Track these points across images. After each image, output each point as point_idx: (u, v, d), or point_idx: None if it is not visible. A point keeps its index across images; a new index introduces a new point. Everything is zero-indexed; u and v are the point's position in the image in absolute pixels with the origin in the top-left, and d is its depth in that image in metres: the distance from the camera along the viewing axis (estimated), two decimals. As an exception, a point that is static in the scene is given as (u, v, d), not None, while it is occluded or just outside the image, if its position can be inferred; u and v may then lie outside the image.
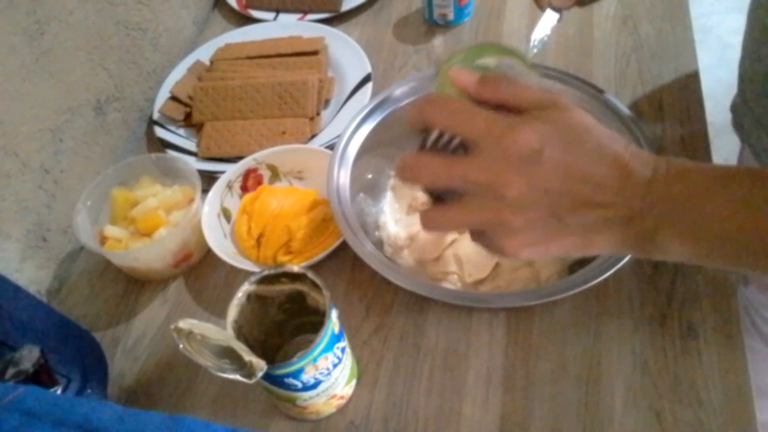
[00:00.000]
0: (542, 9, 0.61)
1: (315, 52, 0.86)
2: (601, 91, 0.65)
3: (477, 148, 0.37)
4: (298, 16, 0.95)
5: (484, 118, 0.37)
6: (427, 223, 0.41)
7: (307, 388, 0.51)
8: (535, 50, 0.62)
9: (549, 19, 0.61)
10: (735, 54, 0.63)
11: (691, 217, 0.36)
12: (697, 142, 0.69)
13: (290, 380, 0.49)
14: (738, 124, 0.64)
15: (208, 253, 0.68)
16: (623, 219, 0.37)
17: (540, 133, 0.36)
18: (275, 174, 0.73)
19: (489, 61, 0.42)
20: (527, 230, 0.37)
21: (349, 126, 0.67)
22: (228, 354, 0.46)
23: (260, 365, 0.45)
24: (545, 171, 0.36)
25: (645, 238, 0.37)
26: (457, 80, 0.39)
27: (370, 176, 0.69)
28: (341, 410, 0.57)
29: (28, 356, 0.48)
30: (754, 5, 0.57)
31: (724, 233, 0.35)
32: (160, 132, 0.81)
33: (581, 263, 0.58)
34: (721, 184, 0.35)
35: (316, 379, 0.50)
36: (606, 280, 0.53)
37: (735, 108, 0.65)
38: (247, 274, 0.61)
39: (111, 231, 0.67)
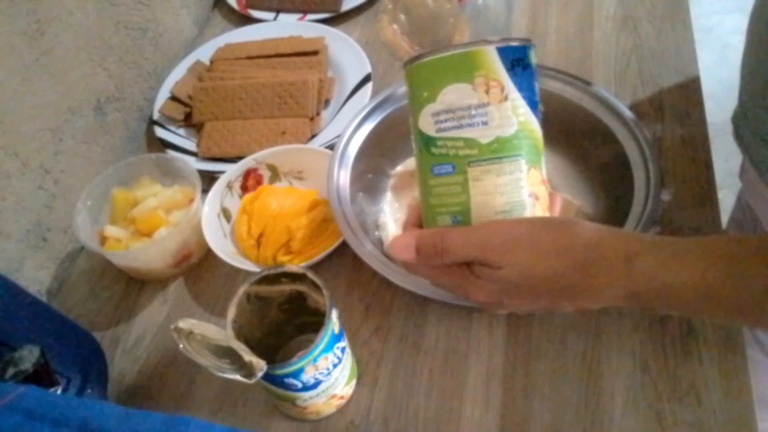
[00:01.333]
0: None
1: (315, 52, 0.86)
2: (590, 84, 0.65)
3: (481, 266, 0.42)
4: (298, 16, 0.95)
5: (445, 281, 0.44)
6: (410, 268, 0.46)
7: (307, 388, 0.51)
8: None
9: None
10: (735, 54, 0.63)
11: (667, 301, 0.39)
12: (697, 142, 0.69)
13: (290, 380, 0.49)
14: (738, 135, 0.64)
15: (208, 253, 0.68)
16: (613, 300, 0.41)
17: (490, 296, 0.41)
18: (275, 174, 0.73)
19: (451, 97, 0.40)
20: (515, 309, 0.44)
21: (349, 126, 0.67)
22: (228, 354, 0.46)
23: (260, 365, 0.45)
24: (511, 307, 0.43)
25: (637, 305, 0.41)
26: (398, 253, 0.43)
27: (370, 176, 0.69)
28: (341, 410, 0.57)
29: (28, 356, 0.48)
30: (753, 19, 0.57)
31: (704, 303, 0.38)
32: (160, 132, 0.81)
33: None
34: (683, 262, 0.38)
35: (316, 379, 0.50)
36: (606, 280, 0.53)
37: (735, 119, 0.65)
38: (247, 274, 0.61)
39: (111, 231, 0.67)
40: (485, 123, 0.39)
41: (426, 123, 0.40)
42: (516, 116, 0.39)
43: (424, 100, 0.40)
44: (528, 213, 0.41)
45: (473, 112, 0.39)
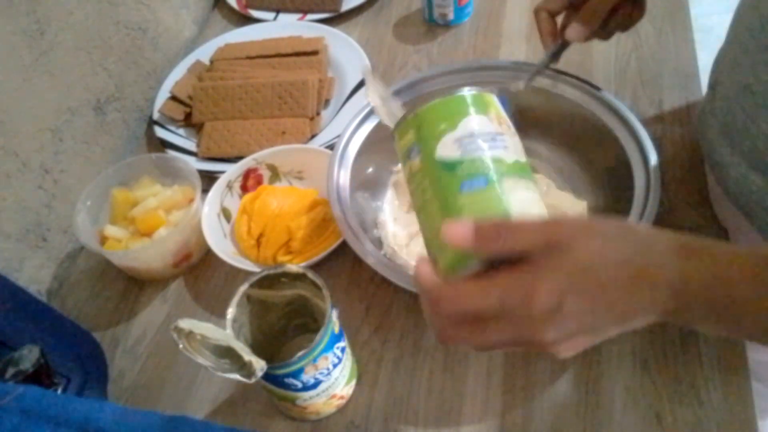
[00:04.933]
0: (550, 46, 0.63)
1: (315, 52, 0.86)
2: (598, 89, 0.65)
3: (497, 316, 0.37)
4: (298, 16, 0.95)
5: (496, 296, 0.36)
6: (447, 339, 0.39)
7: (307, 388, 0.51)
8: (521, 84, 0.65)
9: (552, 57, 0.64)
10: (735, 54, 0.63)
11: (724, 314, 0.37)
12: (696, 142, 0.69)
13: (290, 380, 0.49)
14: (703, 135, 0.64)
15: (208, 253, 0.68)
16: (658, 316, 0.38)
17: (553, 291, 0.35)
18: (275, 174, 0.73)
19: (472, 125, 0.42)
20: (564, 344, 0.38)
21: (349, 126, 0.67)
22: (228, 354, 0.46)
23: (260, 365, 0.45)
24: (570, 318, 0.36)
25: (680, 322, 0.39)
26: (452, 239, 0.37)
27: (370, 170, 0.69)
28: (341, 410, 0.57)
29: (28, 356, 0.48)
30: (742, 12, 0.56)
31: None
32: (160, 132, 0.81)
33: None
34: (748, 272, 0.36)
35: (316, 379, 0.50)
36: (606, 280, 0.53)
37: (701, 117, 0.65)
38: (247, 274, 0.61)
39: (111, 231, 0.67)
40: (506, 147, 0.42)
41: (448, 149, 0.42)
42: (522, 148, 0.44)
43: (442, 132, 0.42)
44: None
45: (496, 137, 0.42)
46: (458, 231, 0.37)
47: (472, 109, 0.43)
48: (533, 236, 0.36)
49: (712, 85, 0.62)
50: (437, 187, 0.41)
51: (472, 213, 0.39)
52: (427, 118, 0.43)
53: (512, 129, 0.45)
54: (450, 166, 0.41)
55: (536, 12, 0.62)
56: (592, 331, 0.38)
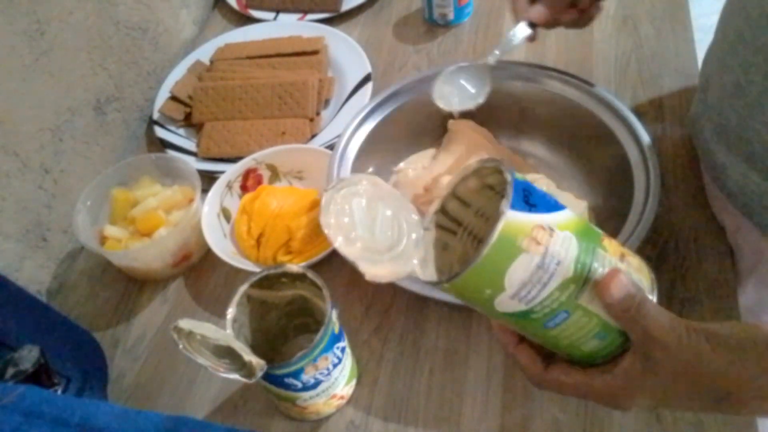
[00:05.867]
0: (517, 21, 0.62)
1: (315, 52, 0.86)
2: (591, 85, 0.65)
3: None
4: (298, 16, 0.95)
5: (588, 394, 0.39)
6: (545, 384, 0.41)
7: (307, 388, 0.50)
8: (497, 53, 0.63)
9: (522, 31, 0.62)
10: (735, 54, 0.63)
11: None
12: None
13: (290, 380, 0.49)
14: (697, 136, 0.63)
15: (208, 253, 0.68)
16: None
17: (649, 403, 0.38)
18: (275, 174, 0.73)
19: (516, 275, 0.35)
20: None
21: (349, 126, 0.67)
22: (228, 354, 0.46)
23: (260, 365, 0.45)
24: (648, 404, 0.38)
25: None
26: (607, 297, 0.35)
27: (370, 170, 0.69)
28: (341, 410, 0.57)
29: (28, 356, 0.48)
30: (726, 13, 0.56)
31: None
32: (160, 132, 0.81)
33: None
34: None
35: (316, 379, 0.50)
36: (606, 280, 0.53)
37: (694, 119, 0.64)
38: (247, 274, 0.61)
39: (111, 231, 0.67)
40: (559, 263, 0.35)
41: (508, 306, 0.35)
42: (567, 229, 0.36)
43: (490, 296, 0.35)
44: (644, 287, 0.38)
45: (544, 267, 0.34)
46: (622, 283, 0.36)
47: (505, 260, 0.34)
48: (656, 318, 0.36)
49: (703, 85, 0.62)
50: (519, 326, 0.38)
51: (571, 337, 0.37)
52: (466, 291, 0.35)
53: (546, 223, 0.35)
54: (522, 315, 0.36)
55: None
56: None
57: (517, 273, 0.34)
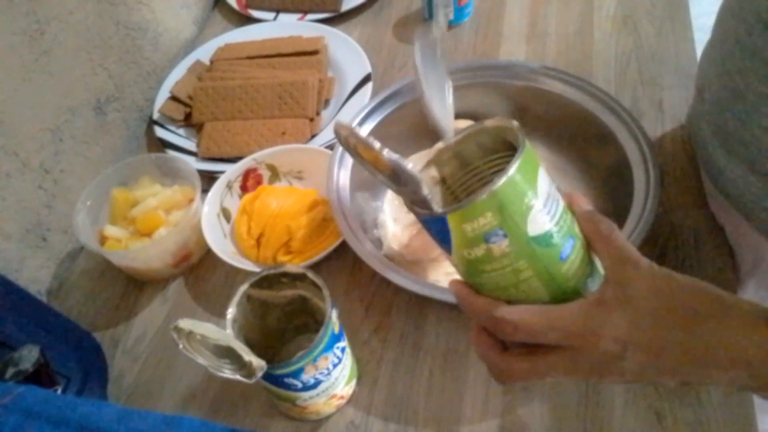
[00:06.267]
0: None
1: (315, 52, 0.86)
2: (592, 85, 0.65)
3: (560, 348, 0.36)
4: (298, 16, 0.95)
5: (563, 331, 0.36)
6: (506, 377, 0.38)
7: (307, 388, 0.50)
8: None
9: None
10: (735, 54, 0.63)
11: None
12: (697, 142, 0.69)
13: (290, 380, 0.49)
14: (695, 138, 0.63)
15: (208, 253, 0.68)
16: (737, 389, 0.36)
17: (618, 340, 0.35)
18: (275, 174, 0.73)
19: (543, 183, 0.36)
20: (622, 381, 0.37)
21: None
22: (228, 354, 0.46)
23: (260, 365, 0.45)
24: (631, 368, 0.35)
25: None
26: (587, 227, 0.37)
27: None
28: (341, 410, 0.57)
29: (28, 356, 0.48)
30: (722, 16, 0.55)
31: None
32: (160, 132, 0.81)
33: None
34: None
35: (316, 379, 0.50)
36: (606, 280, 0.53)
37: (692, 121, 0.64)
38: (247, 274, 0.61)
39: (111, 231, 0.67)
40: (557, 187, 0.38)
41: (538, 223, 0.36)
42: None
43: (529, 206, 0.35)
44: None
45: (553, 185, 0.37)
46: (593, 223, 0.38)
47: (533, 164, 0.36)
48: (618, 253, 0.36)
49: (700, 88, 0.62)
50: (538, 266, 0.36)
51: (577, 276, 0.38)
52: (509, 195, 0.35)
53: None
54: (546, 241, 0.36)
55: None
56: (652, 379, 0.37)
57: (543, 182, 0.36)
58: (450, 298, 0.56)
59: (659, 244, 0.62)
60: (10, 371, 0.47)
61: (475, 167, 0.42)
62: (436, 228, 0.37)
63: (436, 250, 0.64)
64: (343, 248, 0.62)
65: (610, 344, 0.35)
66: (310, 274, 0.50)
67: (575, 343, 0.36)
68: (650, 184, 0.58)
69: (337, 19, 0.94)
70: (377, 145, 0.35)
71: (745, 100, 0.51)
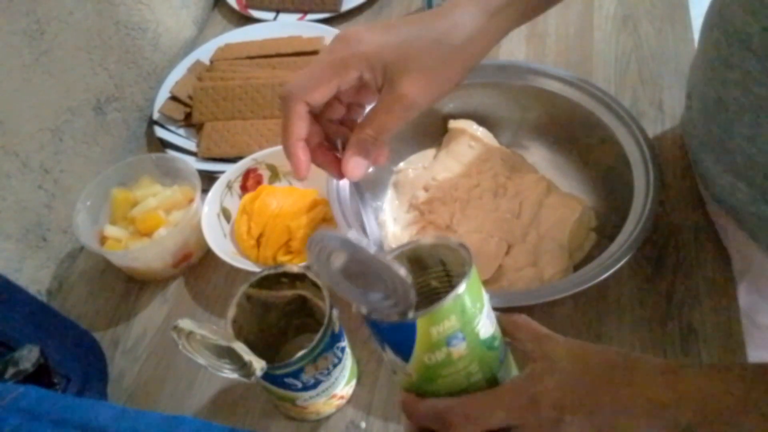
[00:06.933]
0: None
1: (315, 52, 0.86)
2: (592, 85, 0.65)
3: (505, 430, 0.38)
4: (298, 16, 0.95)
5: (504, 410, 0.38)
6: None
7: (307, 387, 0.50)
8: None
9: None
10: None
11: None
12: (697, 142, 0.69)
13: (290, 380, 0.49)
14: (687, 143, 0.63)
15: (208, 253, 0.68)
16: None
17: (555, 402, 0.37)
18: (275, 174, 0.73)
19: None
20: None
21: (349, 126, 0.67)
22: (228, 354, 0.46)
23: (260, 365, 0.45)
24: (575, 430, 0.37)
25: None
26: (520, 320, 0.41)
27: (370, 170, 0.69)
28: (341, 410, 0.57)
29: (28, 356, 0.48)
30: (706, 26, 0.55)
31: None
32: (160, 132, 0.81)
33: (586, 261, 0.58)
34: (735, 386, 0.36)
35: (316, 378, 0.50)
36: (606, 280, 0.53)
37: (684, 126, 0.64)
38: (247, 274, 0.61)
39: (111, 231, 0.67)
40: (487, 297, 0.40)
41: (485, 326, 0.38)
42: None
43: (479, 309, 0.37)
44: None
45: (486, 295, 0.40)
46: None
47: (477, 278, 0.38)
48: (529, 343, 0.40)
49: (688, 95, 0.62)
50: (486, 369, 0.39)
51: (508, 376, 0.41)
52: (469, 298, 0.37)
53: None
54: (491, 344, 0.39)
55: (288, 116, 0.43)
56: None
57: (483, 290, 0.38)
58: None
59: (659, 244, 0.62)
60: (10, 371, 0.47)
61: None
62: (400, 335, 0.37)
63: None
64: (343, 248, 0.62)
65: (549, 411, 0.37)
66: (310, 274, 0.50)
67: (520, 417, 0.37)
68: (650, 184, 0.58)
69: (337, 19, 0.94)
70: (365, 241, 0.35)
71: (727, 109, 0.51)
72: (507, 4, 0.44)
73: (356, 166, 0.44)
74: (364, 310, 0.38)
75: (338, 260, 0.34)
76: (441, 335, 0.36)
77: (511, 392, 0.38)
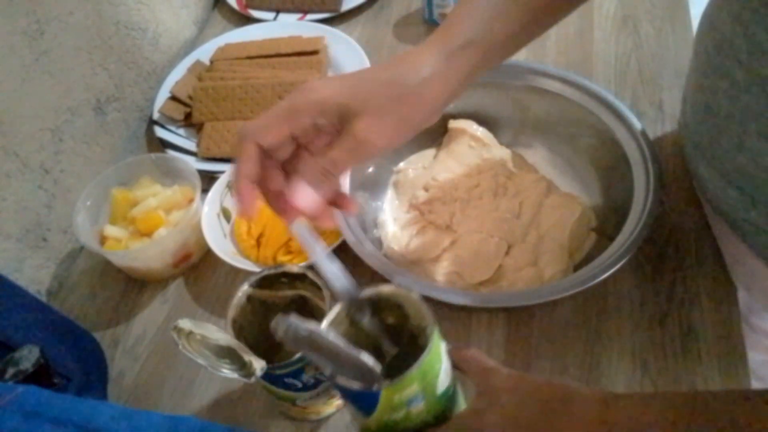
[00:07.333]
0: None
1: (315, 52, 0.86)
2: (591, 85, 0.65)
3: None
4: (298, 16, 0.95)
5: None
6: None
7: (307, 388, 0.50)
8: None
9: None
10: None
11: None
12: (697, 142, 0.69)
13: (290, 380, 0.49)
14: (683, 145, 0.63)
15: (208, 253, 0.68)
16: None
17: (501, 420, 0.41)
18: (275, 174, 0.73)
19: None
20: None
21: (349, 126, 0.67)
22: (228, 354, 0.46)
23: (260, 365, 0.45)
24: None
25: None
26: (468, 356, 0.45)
27: (370, 170, 0.69)
28: (341, 410, 0.57)
29: (28, 356, 0.48)
30: (698, 33, 0.55)
31: None
32: (160, 132, 0.81)
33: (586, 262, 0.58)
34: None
35: (316, 379, 0.50)
36: (606, 280, 0.53)
37: (680, 130, 0.64)
38: (247, 274, 0.61)
39: (111, 231, 0.67)
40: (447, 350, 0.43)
41: (443, 382, 0.41)
42: None
43: (439, 370, 0.40)
44: None
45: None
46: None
47: (438, 340, 0.40)
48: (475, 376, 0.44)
49: (684, 99, 0.62)
50: (441, 414, 0.42)
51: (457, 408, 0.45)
52: (430, 364, 0.39)
53: None
54: (447, 393, 0.42)
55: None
56: None
57: (443, 344, 0.41)
58: (449, 298, 0.56)
59: (659, 244, 0.62)
60: (10, 371, 0.47)
61: (363, 326, 0.44)
62: (363, 400, 0.39)
63: (436, 250, 0.64)
64: (343, 248, 0.62)
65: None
66: (310, 274, 0.50)
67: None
68: (650, 183, 0.58)
69: (337, 19, 0.94)
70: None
71: (716, 116, 0.51)
72: (465, 46, 0.44)
73: (302, 193, 0.43)
74: (328, 372, 0.39)
75: (303, 342, 0.39)
76: (402, 399, 0.38)
77: (461, 426, 0.42)
